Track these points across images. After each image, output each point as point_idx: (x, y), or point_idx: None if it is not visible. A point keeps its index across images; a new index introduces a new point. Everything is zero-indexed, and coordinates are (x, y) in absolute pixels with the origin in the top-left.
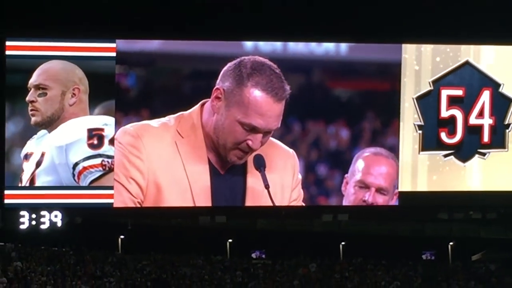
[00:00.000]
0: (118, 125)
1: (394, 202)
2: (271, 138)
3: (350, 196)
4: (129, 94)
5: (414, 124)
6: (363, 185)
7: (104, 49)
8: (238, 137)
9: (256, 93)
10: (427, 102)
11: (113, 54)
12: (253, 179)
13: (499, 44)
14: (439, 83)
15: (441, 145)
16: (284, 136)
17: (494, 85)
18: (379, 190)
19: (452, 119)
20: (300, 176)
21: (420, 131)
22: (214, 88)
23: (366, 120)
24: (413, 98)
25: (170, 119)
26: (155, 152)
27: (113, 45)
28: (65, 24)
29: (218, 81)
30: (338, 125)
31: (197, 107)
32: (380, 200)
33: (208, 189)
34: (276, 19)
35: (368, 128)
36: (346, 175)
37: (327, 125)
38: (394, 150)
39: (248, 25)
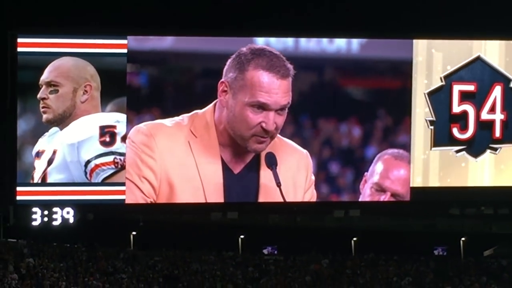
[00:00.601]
0: (129, 123)
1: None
2: (284, 138)
3: (366, 196)
4: (140, 92)
5: (426, 120)
6: (380, 189)
7: (115, 46)
8: (251, 121)
9: (259, 73)
10: (439, 98)
11: (125, 50)
12: (266, 178)
13: (509, 39)
14: (450, 78)
15: (453, 141)
16: (296, 134)
17: (505, 80)
18: (395, 195)
19: (464, 115)
20: (313, 177)
21: (432, 127)
22: (219, 82)
23: (378, 118)
24: (424, 94)
25: (183, 118)
26: (168, 151)
27: (124, 41)
28: (76, 20)
29: (222, 77)
30: (350, 123)
31: (210, 106)
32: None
33: (221, 188)
34: (287, 15)
35: (379, 126)
36: (366, 173)
37: (338, 123)
38: (405, 147)
39: (260, 21)
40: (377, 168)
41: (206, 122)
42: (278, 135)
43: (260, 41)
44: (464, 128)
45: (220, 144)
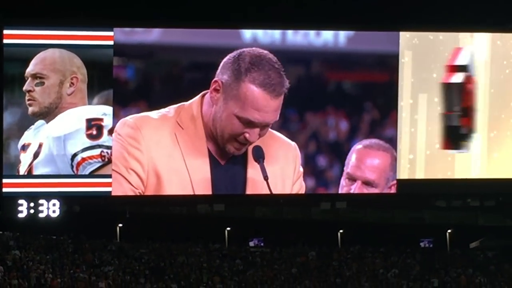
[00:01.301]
0: (116, 116)
1: (394, 190)
2: (272, 130)
3: (342, 188)
4: (127, 85)
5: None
6: (351, 178)
7: (101, 38)
8: (235, 129)
9: (253, 89)
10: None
11: (111, 42)
12: (253, 170)
13: (495, 31)
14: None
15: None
16: (283, 127)
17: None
18: (366, 183)
19: None
20: (301, 169)
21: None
22: (213, 80)
23: (365, 112)
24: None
25: (170, 110)
26: (155, 143)
27: (110, 33)
28: (62, 12)
29: (217, 72)
30: (337, 116)
31: (197, 98)
32: (369, 191)
33: (208, 179)
34: (274, 7)
35: (366, 120)
36: (345, 168)
37: (326, 116)
38: (392, 141)
39: (246, 13)
40: (350, 159)
41: (193, 114)
42: None
43: (248, 34)
44: None
45: (206, 136)
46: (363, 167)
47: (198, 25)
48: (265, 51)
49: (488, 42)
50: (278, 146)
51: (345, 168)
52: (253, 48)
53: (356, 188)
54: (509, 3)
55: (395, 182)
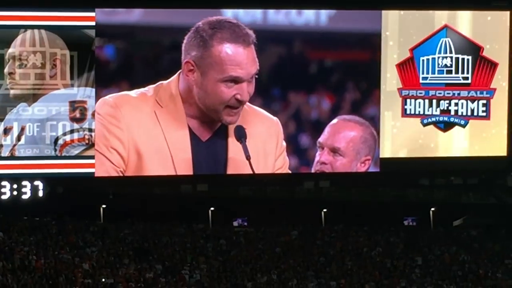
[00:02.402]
0: (97, 97)
1: (369, 168)
2: (254, 106)
3: (315, 161)
4: (109, 66)
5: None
6: (319, 146)
7: (83, 19)
8: (225, 96)
9: (225, 47)
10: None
11: (93, 23)
12: (235, 149)
13: (476, 9)
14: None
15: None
16: (265, 106)
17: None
18: (333, 150)
19: None
20: (284, 144)
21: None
22: (184, 63)
23: (347, 91)
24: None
25: (149, 89)
26: (135, 121)
27: (92, 14)
28: None
29: (183, 56)
30: (319, 95)
31: (175, 77)
32: (336, 160)
33: (189, 157)
34: None
35: (348, 99)
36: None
37: (308, 95)
38: (374, 119)
39: None
40: (324, 132)
41: (171, 92)
42: (248, 103)
43: (229, 13)
44: None
45: (187, 115)
46: (331, 137)
47: (179, 5)
48: (219, 17)
49: None
50: (260, 121)
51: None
52: (206, 18)
53: (322, 156)
54: None
55: (369, 157)
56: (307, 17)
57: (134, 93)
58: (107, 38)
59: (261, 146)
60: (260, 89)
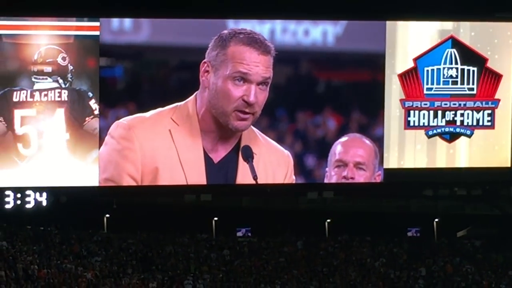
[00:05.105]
0: (104, 118)
1: (379, 179)
2: (268, 138)
3: (332, 179)
4: (115, 87)
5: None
6: (341, 163)
7: (87, 28)
8: (232, 94)
9: (239, 46)
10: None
11: (97, 33)
12: (244, 170)
13: (480, 20)
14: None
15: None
16: (272, 127)
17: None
18: (357, 165)
19: None
20: (294, 178)
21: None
22: (201, 63)
23: (352, 111)
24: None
25: (164, 109)
26: (148, 141)
27: (97, 23)
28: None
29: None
30: (325, 116)
31: (192, 97)
32: (360, 175)
33: (203, 179)
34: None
35: (355, 119)
36: (326, 169)
37: (314, 115)
38: (380, 140)
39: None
40: (335, 150)
41: (188, 112)
42: (262, 134)
43: None
44: None
45: (202, 131)
46: (351, 151)
47: (185, 16)
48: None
49: None
50: (272, 151)
51: (328, 164)
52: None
53: (348, 172)
54: None
55: (379, 173)
56: (314, 37)
57: (148, 113)
58: (114, 58)
59: (271, 173)
60: (266, 108)
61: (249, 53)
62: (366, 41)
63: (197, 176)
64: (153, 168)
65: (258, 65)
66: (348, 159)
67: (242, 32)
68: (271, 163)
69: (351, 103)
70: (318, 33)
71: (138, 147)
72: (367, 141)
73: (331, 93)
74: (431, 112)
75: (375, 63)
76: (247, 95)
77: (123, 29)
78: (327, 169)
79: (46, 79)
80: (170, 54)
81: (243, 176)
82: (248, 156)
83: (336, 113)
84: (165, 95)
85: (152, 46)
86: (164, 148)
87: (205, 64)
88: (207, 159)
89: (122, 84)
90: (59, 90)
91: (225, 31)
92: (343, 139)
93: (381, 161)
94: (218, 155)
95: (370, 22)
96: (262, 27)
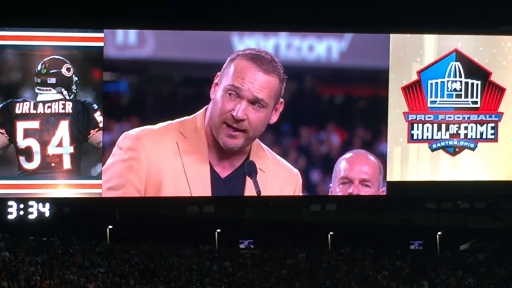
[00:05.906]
0: (108, 131)
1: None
2: (277, 156)
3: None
4: (119, 101)
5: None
6: (347, 180)
7: (91, 39)
8: (223, 107)
9: (243, 61)
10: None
11: (101, 44)
12: (251, 188)
13: (484, 34)
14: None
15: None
16: (276, 143)
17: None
18: (362, 182)
19: None
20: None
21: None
22: (215, 76)
23: (356, 127)
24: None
25: (173, 122)
26: (155, 152)
27: (101, 35)
28: (52, 13)
29: None
30: (329, 131)
31: (201, 110)
32: (365, 192)
33: (208, 190)
34: (261, 12)
35: (359, 135)
36: (330, 185)
37: (318, 131)
38: (383, 156)
39: (234, 19)
40: (340, 167)
41: (196, 125)
42: (272, 151)
43: (241, 47)
44: None
45: (208, 145)
46: (357, 168)
47: (188, 27)
48: None
49: None
50: (280, 168)
51: (332, 180)
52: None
53: (354, 189)
54: (499, 5)
55: (384, 189)
56: (319, 53)
57: (157, 126)
58: (118, 73)
59: (278, 191)
60: (270, 124)
61: (249, 69)
62: (370, 57)
63: (202, 190)
64: (157, 179)
65: (253, 82)
66: (354, 176)
67: (254, 49)
68: (279, 181)
69: (355, 118)
70: (323, 49)
71: (143, 157)
72: (372, 158)
73: (335, 109)
74: (435, 125)
75: (379, 78)
76: (235, 109)
77: (128, 43)
78: (331, 184)
79: (50, 90)
80: (175, 69)
81: (250, 193)
82: (251, 171)
83: (340, 128)
84: (169, 110)
85: (156, 61)
86: (170, 160)
87: (217, 77)
88: (213, 174)
89: (126, 99)
90: (63, 102)
91: (243, 48)
92: (348, 155)
93: (385, 176)
94: (225, 171)
95: (374, 36)
96: (266, 42)
